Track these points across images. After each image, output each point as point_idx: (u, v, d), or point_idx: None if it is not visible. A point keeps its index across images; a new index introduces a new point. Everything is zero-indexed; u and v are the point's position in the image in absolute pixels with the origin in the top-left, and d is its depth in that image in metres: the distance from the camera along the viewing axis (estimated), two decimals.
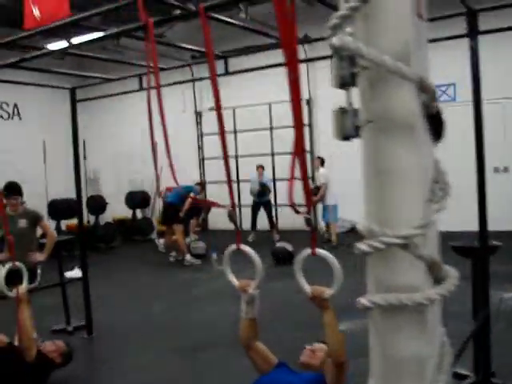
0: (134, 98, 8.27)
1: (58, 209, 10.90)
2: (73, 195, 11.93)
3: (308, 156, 12.42)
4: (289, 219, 12.14)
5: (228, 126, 13.12)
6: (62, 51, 4.17)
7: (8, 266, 3.93)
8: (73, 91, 5.25)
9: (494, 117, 9.37)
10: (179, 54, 12.61)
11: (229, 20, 4.17)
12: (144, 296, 7.15)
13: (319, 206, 10.94)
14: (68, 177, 13.99)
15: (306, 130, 12.45)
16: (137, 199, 12.62)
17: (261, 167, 11.93)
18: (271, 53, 4.75)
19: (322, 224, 11.91)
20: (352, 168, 11.30)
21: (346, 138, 1.24)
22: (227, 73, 5.28)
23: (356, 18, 1.11)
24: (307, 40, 8.18)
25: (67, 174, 13.84)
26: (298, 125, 1.93)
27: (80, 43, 4.25)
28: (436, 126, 1.16)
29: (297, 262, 2.77)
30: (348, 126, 1.22)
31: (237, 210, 13.23)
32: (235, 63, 5.70)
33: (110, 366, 4.64)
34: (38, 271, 5.22)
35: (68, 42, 9.50)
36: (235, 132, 13.12)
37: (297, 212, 2.37)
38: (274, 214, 12.16)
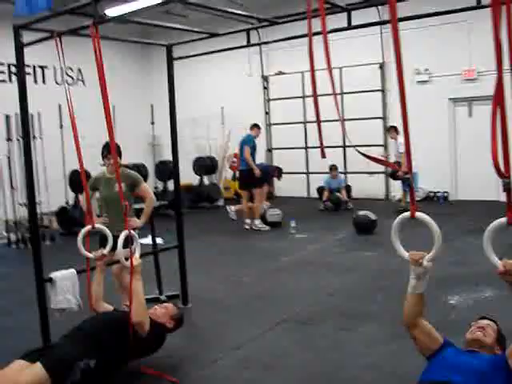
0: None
1: None
2: (140, 161, 12.06)
3: (380, 122, 11.93)
4: (362, 187, 11.82)
5: (297, 91, 12.74)
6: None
7: (124, 233, 3.63)
8: (169, 48, 4.95)
9: None
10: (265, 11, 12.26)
11: None
12: (229, 264, 6.94)
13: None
14: (136, 142, 14.06)
15: (379, 95, 11.92)
16: (204, 165, 12.43)
17: (334, 167, 11.33)
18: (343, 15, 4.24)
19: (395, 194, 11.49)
20: (425, 136, 10.98)
21: None
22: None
23: None
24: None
25: (136, 140, 13.91)
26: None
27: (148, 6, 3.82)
28: None
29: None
30: None
31: (305, 176, 12.99)
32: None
33: (216, 338, 4.37)
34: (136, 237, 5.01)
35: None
36: (304, 97, 12.72)
37: None
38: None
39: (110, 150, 4.64)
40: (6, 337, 4.64)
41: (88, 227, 3.86)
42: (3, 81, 11.68)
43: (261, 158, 11.94)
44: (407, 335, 2.86)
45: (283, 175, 11.33)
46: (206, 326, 4.72)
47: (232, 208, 10.03)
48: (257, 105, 13.24)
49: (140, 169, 10.68)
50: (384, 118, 11.91)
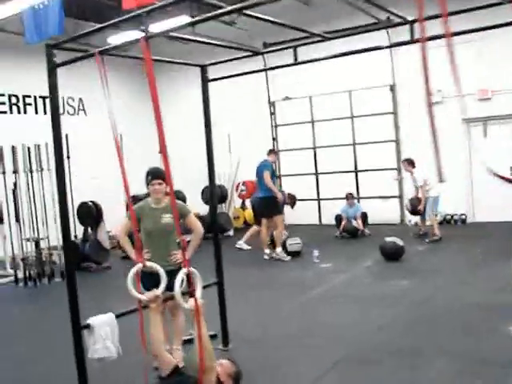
0: None
1: None
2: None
3: (393, 145, 11.67)
4: (376, 212, 11.45)
5: (304, 115, 12.48)
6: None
7: (183, 272, 3.20)
8: (204, 69, 4.62)
9: None
10: (250, 41, 12.07)
11: None
12: (259, 299, 6.49)
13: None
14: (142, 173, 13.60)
15: (390, 117, 11.69)
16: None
17: (350, 195, 10.96)
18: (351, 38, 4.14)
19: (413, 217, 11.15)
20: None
21: None
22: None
23: None
24: (390, 24, 7.30)
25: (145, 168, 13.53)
26: None
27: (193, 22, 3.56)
28: None
29: None
30: None
31: (316, 202, 12.64)
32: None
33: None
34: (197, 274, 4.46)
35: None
36: (312, 122, 12.47)
37: None
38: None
39: (160, 177, 4.27)
40: None
41: (139, 266, 3.46)
42: (4, 112, 11.33)
43: None
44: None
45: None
46: (254, 371, 4.24)
47: (241, 242, 9.73)
48: (264, 130, 12.94)
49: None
50: (396, 141, 11.65)
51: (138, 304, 3.53)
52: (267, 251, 8.90)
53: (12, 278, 8.43)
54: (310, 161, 12.58)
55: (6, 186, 8.70)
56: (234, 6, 3.12)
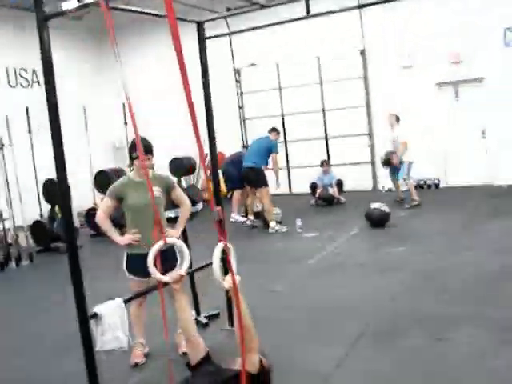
0: None
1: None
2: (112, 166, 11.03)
3: (364, 111, 11.45)
4: (348, 178, 11.25)
5: (271, 82, 12.06)
6: None
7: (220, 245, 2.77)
8: (201, 26, 4.15)
9: None
10: (212, 5, 11.49)
11: None
12: (255, 273, 5.96)
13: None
14: (106, 146, 12.91)
15: (361, 82, 11.43)
16: (181, 166, 11.46)
17: (325, 162, 10.74)
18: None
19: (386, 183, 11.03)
20: (414, 122, 10.58)
21: None
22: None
23: None
24: None
25: (106, 143, 12.87)
26: None
27: None
28: None
29: None
30: None
31: (285, 171, 12.33)
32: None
33: (293, 369, 3.54)
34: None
35: None
36: (280, 88, 12.08)
37: None
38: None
39: (151, 151, 3.90)
40: None
41: (160, 243, 3.03)
42: None
43: None
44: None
45: None
46: (270, 354, 3.89)
47: (233, 215, 9.39)
48: (230, 98, 12.46)
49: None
50: (368, 107, 11.43)
51: (158, 285, 3.15)
52: (250, 217, 8.92)
53: None
54: (278, 129, 12.20)
55: None
56: None
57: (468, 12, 10.00)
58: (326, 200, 10.28)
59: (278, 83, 12.09)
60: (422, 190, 10.51)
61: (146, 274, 3.91)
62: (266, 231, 8.38)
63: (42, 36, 2.99)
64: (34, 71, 11.87)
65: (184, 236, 4.64)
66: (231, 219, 9.25)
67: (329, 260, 6.33)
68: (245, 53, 12.17)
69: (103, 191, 8.52)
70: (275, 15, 4.72)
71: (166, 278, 2.96)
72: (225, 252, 2.62)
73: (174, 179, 8.83)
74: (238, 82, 12.58)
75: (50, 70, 3.02)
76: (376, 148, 11.35)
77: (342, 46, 11.25)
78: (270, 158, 8.70)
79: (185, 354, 3.51)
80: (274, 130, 9.20)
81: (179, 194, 4.11)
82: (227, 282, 2.74)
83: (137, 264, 3.83)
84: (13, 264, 7.61)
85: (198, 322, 4.44)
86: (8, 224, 7.89)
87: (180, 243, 3.37)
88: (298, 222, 8.12)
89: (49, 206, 8.63)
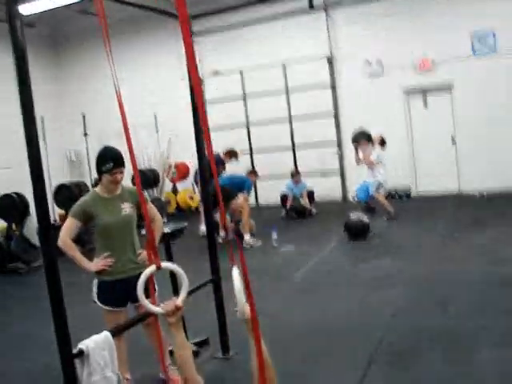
0: None
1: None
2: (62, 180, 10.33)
3: (332, 119, 11.20)
4: (317, 190, 10.95)
5: (235, 91, 11.67)
6: None
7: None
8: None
9: None
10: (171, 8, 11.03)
11: None
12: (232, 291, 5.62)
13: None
14: (61, 160, 12.10)
15: (328, 91, 11.18)
16: (144, 178, 10.90)
17: (296, 172, 10.33)
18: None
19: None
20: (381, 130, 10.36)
21: None
22: None
23: None
24: None
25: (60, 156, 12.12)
26: None
27: None
28: None
29: None
30: None
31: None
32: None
33: None
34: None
35: None
36: (244, 97, 11.73)
37: None
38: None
39: (123, 163, 3.40)
40: None
41: (152, 268, 2.49)
42: None
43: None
44: None
45: None
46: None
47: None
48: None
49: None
50: (336, 116, 11.19)
51: (152, 318, 2.69)
52: (221, 234, 8.17)
53: None
54: (244, 139, 11.85)
55: None
56: None
57: (437, 20, 9.95)
58: (297, 212, 9.93)
59: (242, 91, 11.73)
60: (393, 200, 10.31)
61: (124, 302, 3.47)
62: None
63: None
64: None
65: (168, 253, 4.18)
66: (200, 233, 8.72)
67: (315, 275, 5.96)
68: (208, 60, 11.75)
69: (65, 207, 7.93)
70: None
71: (158, 310, 2.47)
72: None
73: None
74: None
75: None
76: (345, 157, 11.12)
77: (309, 53, 11.01)
78: (239, 195, 8.18)
79: None
80: (252, 172, 9.21)
81: (150, 208, 3.64)
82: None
83: (112, 292, 3.40)
84: None
85: None
86: None
87: (175, 267, 2.83)
88: (274, 236, 7.69)
89: (5, 224, 7.92)
